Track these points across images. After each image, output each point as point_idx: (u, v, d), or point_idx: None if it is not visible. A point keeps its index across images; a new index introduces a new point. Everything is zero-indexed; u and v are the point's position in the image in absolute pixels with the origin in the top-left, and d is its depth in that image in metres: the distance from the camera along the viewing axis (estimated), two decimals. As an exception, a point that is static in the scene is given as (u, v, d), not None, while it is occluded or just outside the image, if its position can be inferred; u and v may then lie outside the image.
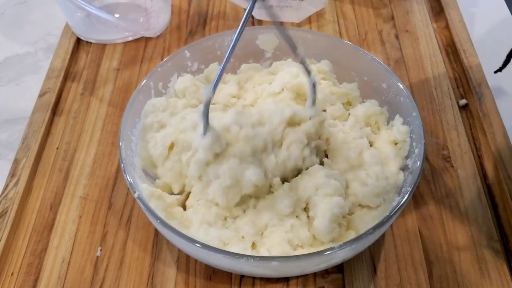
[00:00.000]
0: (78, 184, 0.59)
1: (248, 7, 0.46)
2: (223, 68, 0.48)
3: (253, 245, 0.49)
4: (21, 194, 0.57)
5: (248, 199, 0.52)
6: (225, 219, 0.51)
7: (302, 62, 0.51)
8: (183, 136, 0.54)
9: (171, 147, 0.54)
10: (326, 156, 0.56)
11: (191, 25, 0.77)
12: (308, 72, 0.51)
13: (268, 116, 0.52)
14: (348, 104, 0.61)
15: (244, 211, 0.52)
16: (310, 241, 0.49)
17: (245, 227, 0.49)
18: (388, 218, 0.46)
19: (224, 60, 0.47)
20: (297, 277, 0.51)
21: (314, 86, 0.52)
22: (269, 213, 0.50)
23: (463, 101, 0.66)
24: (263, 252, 0.48)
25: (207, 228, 0.49)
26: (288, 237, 0.49)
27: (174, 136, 0.54)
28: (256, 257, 0.44)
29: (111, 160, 0.61)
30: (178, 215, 0.51)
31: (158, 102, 0.57)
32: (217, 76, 0.48)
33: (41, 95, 0.67)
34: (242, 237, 0.49)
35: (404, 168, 0.54)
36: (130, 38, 0.74)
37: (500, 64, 0.62)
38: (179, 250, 0.53)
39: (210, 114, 0.49)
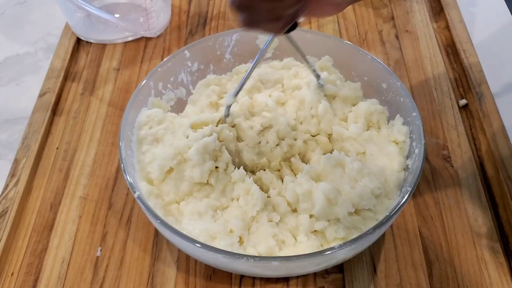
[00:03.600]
0: (78, 184, 0.59)
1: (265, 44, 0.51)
2: (246, 78, 0.52)
3: (240, 240, 0.49)
4: (21, 194, 0.57)
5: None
6: (215, 210, 0.51)
7: (312, 68, 0.56)
8: (183, 162, 0.52)
9: (170, 171, 0.52)
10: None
11: (191, 25, 0.77)
12: (318, 76, 0.57)
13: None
14: (352, 105, 0.61)
15: (232, 200, 0.52)
16: (294, 238, 0.50)
17: (233, 220, 0.49)
18: (388, 218, 0.46)
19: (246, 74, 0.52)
20: (297, 277, 0.51)
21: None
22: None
23: (463, 101, 0.66)
24: (249, 248, 0.48)
25: (195, 220, 0.49)
26: (274, 232, 0.49)
27: (174, 161, 0.52)
28: (256, 257, 0.44)
29: (111, 160, 0.61)
30: (175, 211, 0.51)
31: (154, 113, 0.55)
32: (240, 83, 0.52)
33: (41, 95, 0.67)
34: (230, 231, 0.49)
35: (404, 168, 0.54)
36: (130, 38, 0.74)
37: (500, 64, 0.61)
38: (179, 250, 0.53)
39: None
